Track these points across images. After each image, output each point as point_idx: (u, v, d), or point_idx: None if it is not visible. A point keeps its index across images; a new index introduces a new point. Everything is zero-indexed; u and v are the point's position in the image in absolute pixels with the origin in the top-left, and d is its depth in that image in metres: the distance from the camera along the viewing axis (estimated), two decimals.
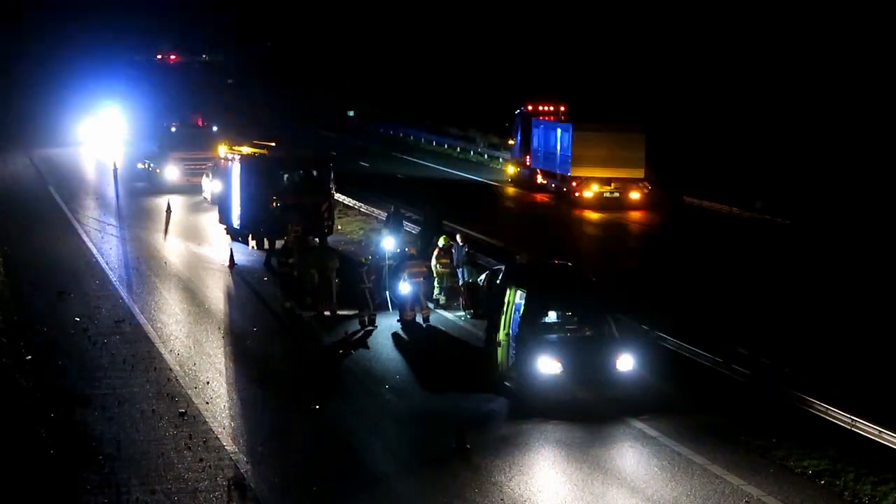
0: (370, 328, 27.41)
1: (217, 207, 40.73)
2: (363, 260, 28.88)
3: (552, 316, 22.26)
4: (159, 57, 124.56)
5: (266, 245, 36.34)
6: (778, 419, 20.43)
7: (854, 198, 46.01)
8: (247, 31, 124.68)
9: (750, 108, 66.55)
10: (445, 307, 29.14)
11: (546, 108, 54.06)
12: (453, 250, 29.87)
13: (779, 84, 68.65)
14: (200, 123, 55.41)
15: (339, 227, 39.87)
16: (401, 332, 27.22)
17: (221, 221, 39.36)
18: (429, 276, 28.70)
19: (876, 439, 19.03)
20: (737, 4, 76.46)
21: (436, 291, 29.39)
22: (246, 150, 38.80)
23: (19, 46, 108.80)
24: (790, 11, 72.13)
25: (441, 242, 29.85)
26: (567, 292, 22.58)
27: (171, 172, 51.01)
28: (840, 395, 20.46)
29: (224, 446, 19.22)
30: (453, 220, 36.83)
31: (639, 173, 47.59)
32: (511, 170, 55.50)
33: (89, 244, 38.13)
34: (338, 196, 41.22)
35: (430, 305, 28.92)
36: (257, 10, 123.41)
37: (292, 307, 28.93)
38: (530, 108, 54.08)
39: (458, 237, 30.57)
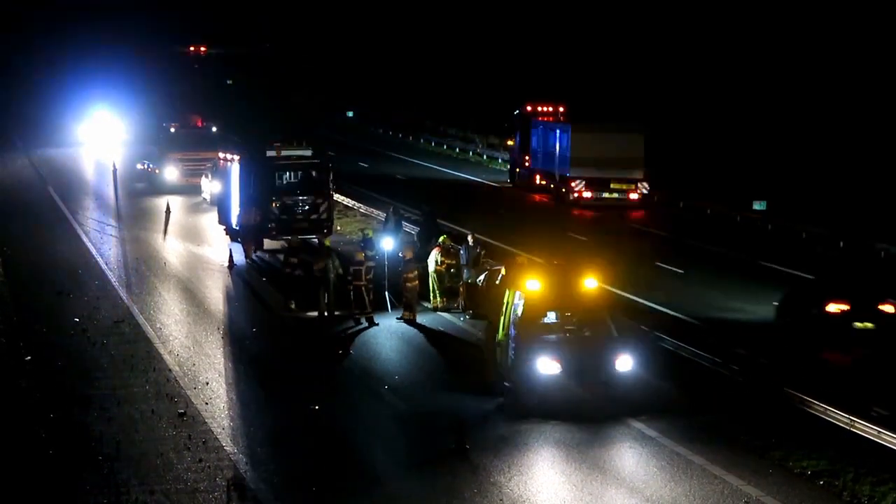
0: (367, 326, 27.43)
1: (216, 208, 40.73)
2: (360, 257, 28.87)
3: (551, 316, 22.26)
4: (191, 49, 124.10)
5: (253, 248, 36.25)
6: (777, 419, 20.44)
7: (853, 198, 46.02)
8: (250, 29, 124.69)
9: (750, 108, 66.60)
10: (445, 308, 29.10)
11: (545, 108, 54.05)
12: (462, 250, 29.82)
13: (778, 85, 68.70)
14: (200, 124, 55.37)
15: (339, 228, 39.88)
16: (400, 332, 27.23)
17: (221, 222, 39.35)
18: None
19: (875, 440, 19.05)
20: (737, 5, 76.51)
21: (431, 293, 29.30)
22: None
23: (20, 46, 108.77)
24: (790, 12, 72.18)
25: (440, 242, 29.81)
26: (566, 292, 22.57)
27: (171, 173, 51.04)
28: (839, 395, 20.48)
29: (223, 447, 19.24)
30: (451, 221, 36.89)
31: (638, 174, 47.59)
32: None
33: (88, 245, 38.14)
34: (337, 197, 41.24)
35: (427, 305, 28.98)
36: (257, 11, 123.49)
37: (292, 307, 28.97)
38: (529, 108, 54.08)
39: (469, 238, 30.51)
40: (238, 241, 37.53)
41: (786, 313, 26.71)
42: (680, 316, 28.13)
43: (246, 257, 35.71)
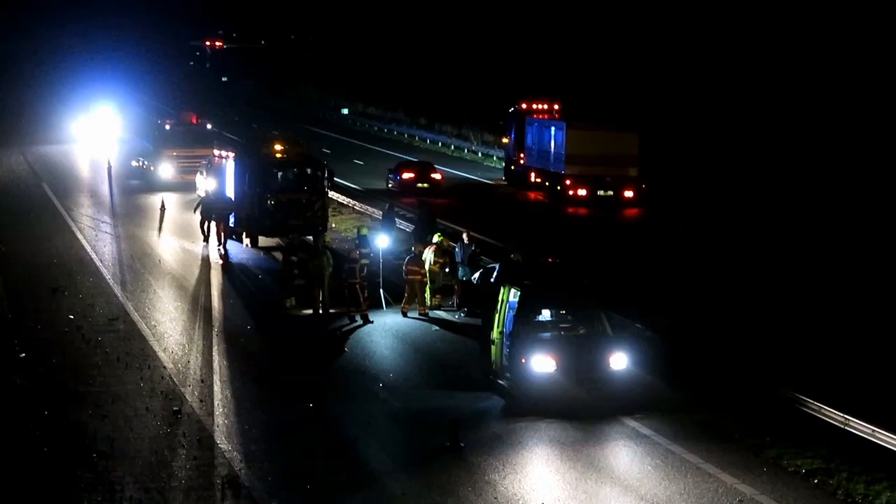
0: (362, 324, 27.44)
1: None
2: (355, 255, 28.83)
3: (546, 314, 22.27)
4: (207, 44, 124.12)
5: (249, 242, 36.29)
6: (771, 418, 20.46)
7: (850, 198, 46.08)
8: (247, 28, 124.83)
9: (746, 106, 66.64)
10: (439, 307, 29.09)
11: (540, 105, 54.09)
12: (457, 248, 29.79)
13: (775, 83, 68.75)
14: (195, 121, 55.34)
15: (333, 225, 39.88)
16: (395, 330, 27.23)
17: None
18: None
19: (869, 438, 19.06)
20: (735, 5, 76.57)
21: (427, 291, 29.25)
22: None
23: (19, 44, 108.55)
24: (789, 12, 72.25)
25: (436, 240, 29.79)
26: (561, 290, 22.58)
27: (166, 170, 50.99)
28: (833, 394, 20.50)
29: (218, 444, 19.23)
30: (445, 218, 36.83)
31: (633, 171, 47.63)
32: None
33: (83, 242, 38.11)
34: (331, 194, 41.22)
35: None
36: (255, 10, 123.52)
37: (289, 304, 28.96)
38: (524, 106, 54.10)
39: (464, 235, 30.48)
40: (233, 238, 37.53)
41: (387, 179, 50.91)
42: None
43: (220, 244, 35.88)
